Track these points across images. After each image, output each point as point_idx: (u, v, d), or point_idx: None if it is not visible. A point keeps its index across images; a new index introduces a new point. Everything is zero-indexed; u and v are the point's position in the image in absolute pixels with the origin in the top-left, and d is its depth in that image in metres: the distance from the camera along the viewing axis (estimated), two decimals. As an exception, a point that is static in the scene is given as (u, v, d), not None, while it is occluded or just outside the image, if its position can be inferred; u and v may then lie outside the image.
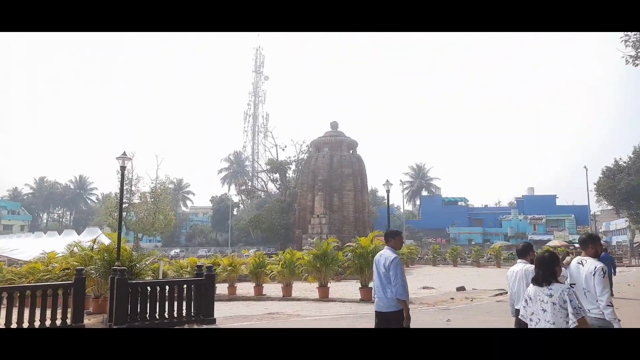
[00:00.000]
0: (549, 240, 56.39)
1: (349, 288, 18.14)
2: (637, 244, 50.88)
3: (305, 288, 17.95)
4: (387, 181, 14.94)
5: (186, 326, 9.29)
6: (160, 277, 23.85)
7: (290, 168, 49.26)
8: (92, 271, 10.57)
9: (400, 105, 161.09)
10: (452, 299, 14.38)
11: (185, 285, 9.78)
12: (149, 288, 9.24)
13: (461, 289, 17.56)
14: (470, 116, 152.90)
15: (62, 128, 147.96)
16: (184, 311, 9.60)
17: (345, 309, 12.35)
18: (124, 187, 50.71)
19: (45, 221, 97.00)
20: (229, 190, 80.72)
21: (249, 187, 52.83)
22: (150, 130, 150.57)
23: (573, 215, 68.56)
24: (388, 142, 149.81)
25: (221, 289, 20.07)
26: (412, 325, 9.54)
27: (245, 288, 19.71)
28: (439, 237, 69.67)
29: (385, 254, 5.09)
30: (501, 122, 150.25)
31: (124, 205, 50.48)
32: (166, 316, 9.30)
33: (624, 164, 47.65)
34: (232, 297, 18.74)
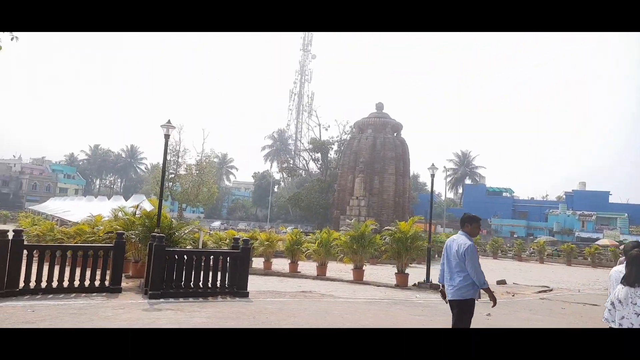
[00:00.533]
0: (597, 239, 53.58)
1: (385, 272, 17.88)
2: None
3: (339, 269, 17.83)
4: (433, 165, 14.34)
5: (219, 298, 9.34)
6: (200, 246, 24.48)
7: (332, 148, 48.96)
8: (133, 236, 10.79)
9: (448, 92, 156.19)
10: (493, 292, 13.79)
11: (221, 257, 9.81)
12: (185, 256, 9.33)
13: (502, 282, 16.89)
14: (522, 105, 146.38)
15: (117, 99, 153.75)
16: (219, 282, 9.65)
17: (380, 293, 12.10)
18: (171, 159, 52.64)
19: (97, 186, 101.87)
20: (270, 167, 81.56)
21: (291, 165, 52.88)
22: (199, 105, 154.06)
23: (626, 214, 64.65)
24: (434, 128, 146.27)
25: (257, 263, 20.36)
26: (447, 320, 9.07)
27: (281, 264, 19.84)
28: (481, 227, 67.69)
29: (459, 240, 4.91)
30: (553, 116, 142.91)
31: (170, 176, 52.54)
32: (200, 285, 9.37)
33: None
34: (267, 271, 18.91)
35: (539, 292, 14.75)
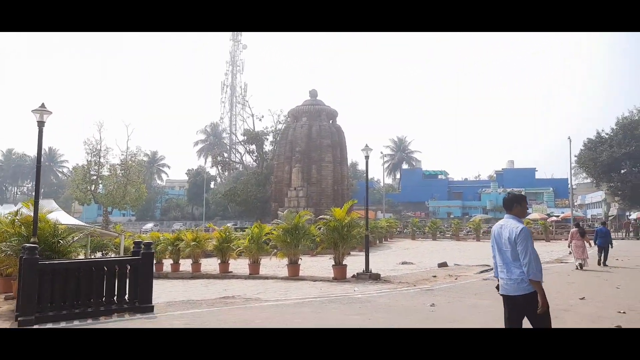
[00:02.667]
0: (528, 214, 56.18)
1: (323, 264, 16.68)
2: (611, 217, 51.01)
3: (275, 265, 16.46)
4: (367, 146, 13.29)
5: (114, 316, 7.60)
6: (122, 253, 22.11)
7: (267, 139, 47.13)
8: (7, 249, 8.72)
9: (382, 78, 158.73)
10: (435, 276, 13.02)
11: (116, 266, 8.04)
12: (66, 269, 7.48)
13: (443, 265, 16.29)
14: (451, 89, 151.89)
15: (28, 98, 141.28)
16: (115, 297, 7.90)
17: (315, 290, 10.84)
18: (91, 159, 48.44)
19: (13, 193, 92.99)
20: (205, 163, 78.13)
21: (225, 159, 50.41)
22: (121, 101, 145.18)
23: (552, 188, 68.61)
24: (369, 115, 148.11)
25: (185, 265, 18.55)
26: (392, 310, 7.79)
27: (213, 264, 18.18)
28: (419, 210, 69.05)
29: (510, 225, 4.16)
30: (483, 95, 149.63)
31: (92, 178, 48.35)
32: (91, 303, 7.59)
33: (607, 136, 47.04)
34: (195, 274, 17.20)
35: (481, 272, 14.21)
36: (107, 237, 25.51)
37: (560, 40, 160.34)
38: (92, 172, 48.25)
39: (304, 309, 8.13)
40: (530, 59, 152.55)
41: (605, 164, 44.68)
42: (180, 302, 9.02)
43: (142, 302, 7.94)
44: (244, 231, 20.19)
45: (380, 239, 34.37)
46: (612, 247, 16.21)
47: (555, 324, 7.05)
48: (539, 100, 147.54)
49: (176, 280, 16.51)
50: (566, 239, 30.38)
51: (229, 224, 51.51)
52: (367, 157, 13.76)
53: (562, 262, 17.42)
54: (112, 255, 24.50)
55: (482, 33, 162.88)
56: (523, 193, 42.53)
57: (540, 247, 27.44)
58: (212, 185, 78.51)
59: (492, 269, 15.09)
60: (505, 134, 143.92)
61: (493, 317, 7.33)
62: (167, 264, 19.44)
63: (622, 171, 44.54)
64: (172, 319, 7.33)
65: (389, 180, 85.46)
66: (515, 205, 4.27)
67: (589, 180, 66.30)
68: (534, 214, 49.48)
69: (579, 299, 8.87)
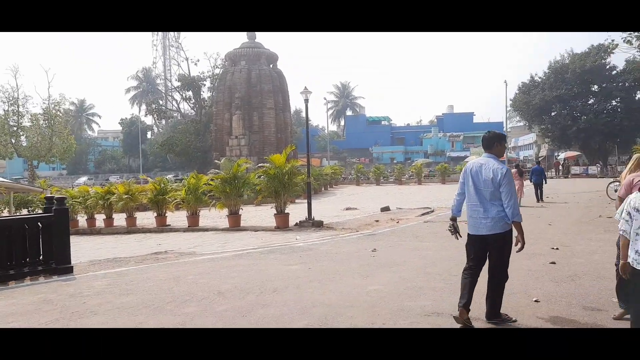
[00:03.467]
0: (466, 157, 58.47)
1: (267, 213, 16.28)
2: (541, 157, 54.23)
3: (217, 216, 15.86)
4: (306, 88, 12.60)
5: (27, 280, 6.79)
6: (12, 211, 20.54)
7: (204, 84, 44.64)
8: None
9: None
10: (377, 221, 13.01)
11: (26, 225, 7.11)
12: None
13: (385, 209, 16.39)
14: (393, 35, 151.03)
15: None
16: (28, 259, 7.04)
17: (256, 240, 10.43)
18: (8, 108, 44.01)
19: None
20: (139, 112, 73.60)
21: (159, 107, 47.43)
22: (39, 44, 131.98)
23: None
24: (312, 60, 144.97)
25: (120, 220, 17.53)
26: (334, 258, 7.48)
27: (150, 218, 17.25)
28: (363, 156, 69.89)
29: (491, 165, 4.09)
30: (424, 42, 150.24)
31: (12, 130, 44.13)
32: (-3, 268, 6.70)
33: (539, 80, 48.83)
34: (131, 229, 16.28)
35: (422, 214, 14.39)
36: (33, 192, 23.57)
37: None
38: (11, 123, 44.08)
39: (241, 261, 7.69)
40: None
41: (537, 107, 46.65)
42: (105, 260, 8.29)
43: (60, 263, 7.15)
44: (183, 181, 19.25)
45: (325, 185, 34.40)
46: (546, 183, 17.76)
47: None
48: (478, 46, 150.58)
49: (109, 236, 15.54)
50: None
51: (169, 176, 49.56)
52: (306, 101, 13.10)
53: (497, 202, 18.08)
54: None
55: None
56: (461, 137, 44.03)
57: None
58: (149, 136, 74.70)
59: (432, 212, 15.54)
60: (445, 79, 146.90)
61: (431, 259, 7.28)
62: (101, 219, 18.27)
63: (553, 113, 46.75)
64: (93, 280, 6.64)
65: (333, 127, 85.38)
66: (496, 144, 4.20)
67: (522, 124, 69.65)
68: (471, 157, 51.46)
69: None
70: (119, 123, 73.01)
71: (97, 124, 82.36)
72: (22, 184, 27.36)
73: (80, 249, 11.43)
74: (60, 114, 47.14)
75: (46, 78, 66.41)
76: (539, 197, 16.95)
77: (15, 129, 44.66)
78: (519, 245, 4.08)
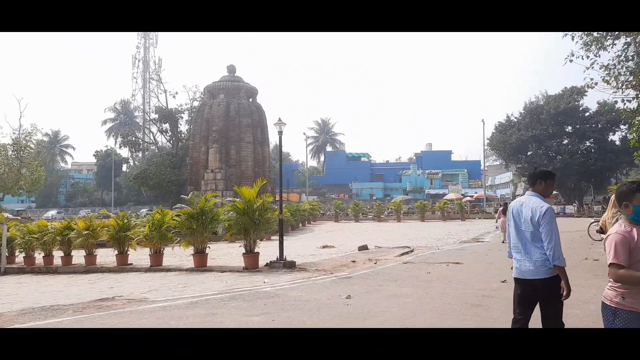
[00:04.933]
0: (444, 194, 58.55)
1: (238, 251, 15.27)
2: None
3: (184, 254, 14.77)
4: (280, 119, 11.96)
5: None
6: (4, 245, 19.00)
7: (182, 117, 43.89)
8: None
9: (305, 59, 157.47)
10: (354, 261, 12.17)
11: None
12: None
13: (363, 248, 15.58)
14: (373, 73, 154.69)
15: None
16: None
17: (220, 283, 9.45)
18: (-25, 138, 42.24)
19: None
20: (115, 144, 72.06)
21: (134, 139, 46.28)
22: (14, 74, 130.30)
23: (466, 170, 72.20)
24: (292, 96, 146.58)
25: (78, 258, 16.24)
26: (302, 307, 6.69)
27: (112, 256, 16.04)
28: (342, 192, 69.46)
29: (532, 203, 3.77)
30: (404, 81, 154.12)
31: (-24, 159, 42.20)
32: None
33: (515, 120, 49.78)
34: (89, 268, 15.03)
35: (401, 254, 13.63)
36: (-12, 227, 21.99)
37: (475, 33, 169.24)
38: (-25, 153, 42.23)
39: (197, 310, 6.73)
40: (449, 48, 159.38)
41: (514, 146, 47.32)
42: (40, 308, 7.20)
43: (-22, 314, 6.07)
44: (152, 217, 18.13)
45: (303, 222, 33.50)
46: None
47: (480, 312, 6.36)
48: (457, 86, 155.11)
49: (64, 276, 14.27)
50: (479, 218, 33.02)
51: (142, 210, 47.81)
52: (280, 133, 12.43)
53: (478, 241, 17.53)
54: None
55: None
56: (440, 174, 43.94)
57: (456, 226, 28.27)
58: (124, 169, 72.98)
59: (411, 251, 14.85)
60: (424, 118, 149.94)
61: (412, 309, 6.47)
62: (59, 257, 16.94)
63: (529, 153, 47.44)
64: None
65: (313, 163, 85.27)
66: (540, 181, 3.86)
67: (498, 163, 70.70)
68: (450, 195, 51.55)
69: (500, 282, 8.35)
70: (94, 155, 71.28)
71: (71, 155, 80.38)
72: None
73: (22, 292, 10.25)
74: (32, 145, 45.59)
75: (18, 107, 64.89)
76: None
77: (-21, 158, 42.80)
78: (564, 292, 3.64)
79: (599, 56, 16.45)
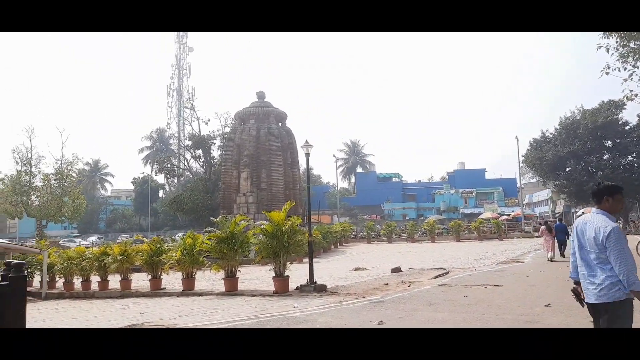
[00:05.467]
0: (479, 213, 56.95)
1: (269, 274, 15.18)
2: (558, 214, 52.55)
3: (214, 277, 14.77)
4: (307, 142, 11.95)
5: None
6: (45, 272, 19.57)
7: (214, 143, 44.91)
8: None
9: (333, 80, 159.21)
10: (387, 284, 11.81)
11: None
12: None
13: (396, 270, 15.16)
14: (403, 92, 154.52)
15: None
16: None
17: (249, 308, 9.32)
18: (21, 169, 44.46)
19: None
20: (152, 171, 74.35)
21: (168, 166, 47.56)
22: (56, 106, 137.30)
23: (501, 188, 70.21)
24: (321, 118, 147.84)
25: (114, 282, 16.54)
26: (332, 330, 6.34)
27: (146, 280, 16.24)
28: (374, 213, 68.72)
29: (596, 222, 3.49)
30: (434, 98, 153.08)
31: (23, 189, 44.32)
32: None
33: (551, 135, 48.28)
34: (125, 292, 15.27)
35: (436, 277, 13.16)
36: (31, 254, 22.80)
37: (508, 43, 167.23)
38: (22, 183, 44.35)
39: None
40: (481, 63, 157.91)
41: (550, 163, 45.77)
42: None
43: (12, 341, 6.12)
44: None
45: (334, 243, 33.19)
46: (569, 239, 17.37)
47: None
48: (489, 103, 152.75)
49: (100, 301, 14.53)
50: (518, 237, 32.17)
51: (178, 234, 48.67)
52: (307, 155, 12.40)
53: (518, 262, 16.77)
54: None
55: (434, 35, 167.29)
56: (474, 193, 42.85)
57: (493, 246, 27.26)
58: (160, 194, 74.93)
59: (447, 273, 14.32)
60: (456, 136, 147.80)
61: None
62: (96, 282, 17.31)
63: (567, 169, 45.75)
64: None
65: (344, 184, 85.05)
66: (606, 197, 3.55)
67: (534, 180, 68.46)
68: (486, 214, 50.04)
69: (544, 306, 7.85)
70: (132, 182, 73.59)
71: (111, 183, 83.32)
72: (17, 245, 26.70)
73: (57, 318, 10.42)
74: (73, 174, 47.52)
75: (60, 138, 68.32)
76: (562, 253, 17.51)
77: (26, 188, 44.86)
78: None
79: (638, 67, 15.79)
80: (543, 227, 18.65)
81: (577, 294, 3.72)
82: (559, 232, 18.02)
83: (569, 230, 20.22)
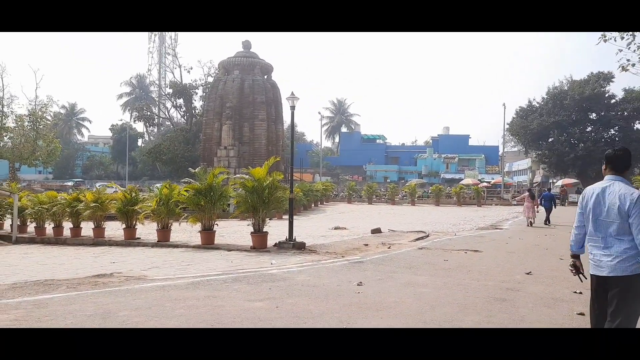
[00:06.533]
0: (460, 179, 57.46)
1: (246, 230, 14.91)
2: (536, 184, 53.33)
3: (192, 230, 14.42)
4: (292, 94, 11.36)
5: None
6: (15, 215, 18.92)
7: (196, 93, 43.38)
8: None
9: (322, 37, 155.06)
10: (366, 245, 11.66)
11: None
12: None
13: (376, 230, 15.06)
14: (391, 54, 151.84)
15: None
16: None
17: (225, 263, 9.03)
18: (-8, 108, 42.47)
19: None
20: (130, 119, 72.26)
21: (148, 114, 46.00)
22: (32, 45, 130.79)
23: (483, 155, 70.71)
24: (308, 74, 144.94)
25: (87, 230, 16.10)
26: (310, 293, 6.21)
27: (120, 229, 15.81)
28: (356, 174, 68.73)
29: (619, 189, 3.15)
30: (422, 62, 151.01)
31: (-6, 130, 42.51)
32: None
33: (537, 105, 48.17)
34: (98, 240, 14.88)
35: (416, 239, 13.06)
36: (1, 197, 21.98)
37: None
38: (-6, 123, 42.51)
39: (196, 292, 6.28)
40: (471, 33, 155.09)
41: (535, 132, 45.86)
42: (34, 282, 6.84)
43: (-35, 287, 5.72)
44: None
45: (315, 202, 33.07)
46: (555, 207, 19.43)
47: (506, 307, 5.76)
48: (476, 69, 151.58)
49: (71, 248, 14.10)
50: (496, 204, 32.72)
51: (157, 184, 47.94)
52: (292, 107, 11.81)
53: (497, 228, 16.85)
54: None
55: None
56: (456, 159, 43.10)
57: (472, 212, 27.49)
58: (139, 143, 73.16)
59: (427, 236, 14.26)
60: (442, 101, 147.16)
61: (429, 300, 5.90)
62: (69, 228, 16.83)
63: (550, 139, 45.97)
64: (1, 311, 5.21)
65: (328, 144, 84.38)
66: (626, 165, 3.28)
67: (516, 149, 69.02)
68: (466, 180, 50.48)
69: (525, 273, 7.76)
70: (110, 129, 71.49)
71: (88, 129, 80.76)
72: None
73: (24, 263, 9.98)
74: (48, 117, 45.77)
75: (34, 79, 64.68)
76: (548, 220, 18.20)
77: (-5, 129, 43.08)
78: None
79: (635, 36, 15.35)
80: (526, 194, 19.42)
81: (577, 269, 3.46)
82: (545, 199, 18.67)
83: (556, 199, 21.73)
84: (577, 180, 45.53)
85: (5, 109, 43.49)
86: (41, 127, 43.82)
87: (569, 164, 44.32)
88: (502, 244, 12.01)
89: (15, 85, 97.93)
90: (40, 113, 44.03)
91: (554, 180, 51.81)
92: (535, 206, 17.91)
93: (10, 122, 44.15)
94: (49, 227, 17.68)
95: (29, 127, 43.39)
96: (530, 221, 17.61)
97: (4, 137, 44.34)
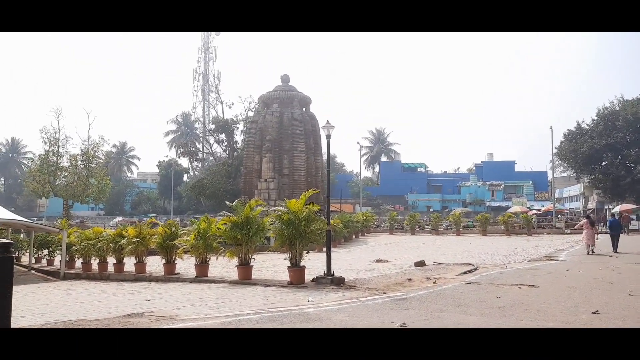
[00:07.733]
0: (507, 207, 55.07)
1: (285, 263, 14.54)
2: (589, 210, 50.14)
3: (229, 264, 14.22)
4: (328, 122, 11.13)
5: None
6: (63, 251, 19.46)
7: (237, 127, 44.45)
8: None
9: (360, 67, 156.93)
10: (410, 279, 10.97)
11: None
12: None
13: (420, 263, 14.28)
14: (431, 81, 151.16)
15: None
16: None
17: (259, 300, 8.65)
18: (49, 149, 45.08)
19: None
20: (176, 155, 74.97)
21: (191, 149, 47.43)
22: (84, 88, 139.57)
23: (531, 182, 67.84)
24: (346, 105, 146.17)
25: (129, 265, 16.24)
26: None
27: (161, 264, 15.86)
28: (398, 204, 67.48)
29: None
30: (464, 88, 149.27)
31: (50, 169, 45.01)
32: None
33: (587, 127, 45.94)
34: (139, 276, 14.96)
35: (464, 273, 12.22)
36: (51, 233, 22.84)
37: (541, 35, 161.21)
38: (49, 163, 45.04)
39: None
40: (512, 54, 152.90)
41: (585, 156, 43.57)
42: (63, 323, 6.70)
43: (-4, 328, 5.60)
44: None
45: (356, 233, 32.39)
46: (625, 233, 20.07)
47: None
48: (519, 94, 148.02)
49: (113, 283, 14.21)
50: (548, 233, 31.02)
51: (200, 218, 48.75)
52: (328, 136, 11.57)
53: (552, 260, 15.61)
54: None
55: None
56: (502, 186, 41.70)
57: (523, 242, 25.94)
58: (185, 178, 75.43)
59: (475, 269, 13.36)
60: (485, 126, 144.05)
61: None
62: (112, 263, 17.07)
63: (603, 163, 43.49)
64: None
65: (368, 173, 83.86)
66: None
67: (565, 174, 65.73)
68: (514, 207, 48.30)
69: (591, 312, 6.89)
70: (157, 165, 74.27)
71: (137, 166, 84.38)
72: (37, 224, 26.86)
73: (62, 301, 10.01)
74: (100, 156, 48.02)
75: (87, 120, 68.66)
76: (615, 249, 17.54)
77: (53, 168, 45.54)
78: None
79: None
80: (585, 220, 18.47)
81: None
82: (613, 227, 18.39)
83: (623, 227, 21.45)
84: (636, 206, 42.48)
85: (60, 150, 46.06)
86: (93, 165, 45.99)
87: (625, 188, 41.57)
88: (561, 278, 10.99)
89: (70, 127, 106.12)
90: (92, 152, 46.31)
91: (610, 207, 48.62)
92: (596, 233, 17.41)
93: (64, 162, 46.68)
94: (94, 263, 18.02)
95: (81, 166, 45.65)
96: (592, 249, 16.84)
97: (60, 176, 46.84)
